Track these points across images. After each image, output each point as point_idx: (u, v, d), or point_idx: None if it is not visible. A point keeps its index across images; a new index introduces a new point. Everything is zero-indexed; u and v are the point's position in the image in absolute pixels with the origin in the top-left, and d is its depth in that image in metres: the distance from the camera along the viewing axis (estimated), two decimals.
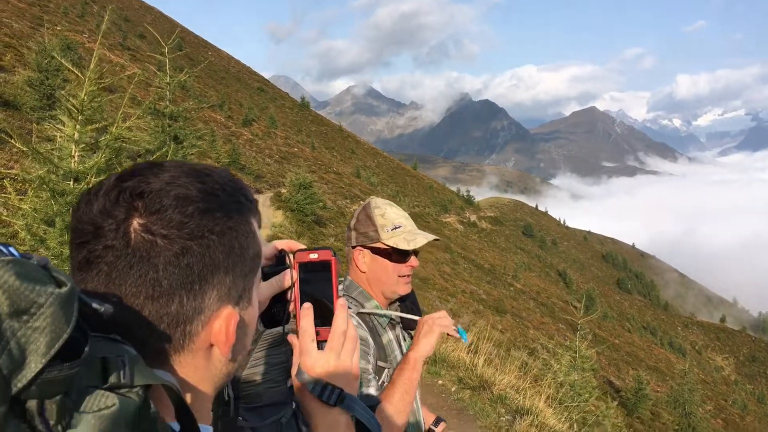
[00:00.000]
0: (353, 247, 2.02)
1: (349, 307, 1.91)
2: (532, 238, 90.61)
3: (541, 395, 7.07)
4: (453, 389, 6.72)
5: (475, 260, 44.88)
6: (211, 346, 0.73)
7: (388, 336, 1.98)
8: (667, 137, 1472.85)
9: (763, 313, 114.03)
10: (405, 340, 2.09)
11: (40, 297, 0.47)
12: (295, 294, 0.97)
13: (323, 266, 0.98)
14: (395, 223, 1.97)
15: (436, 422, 2.17)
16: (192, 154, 7.25)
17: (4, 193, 4.56)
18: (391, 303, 2.08)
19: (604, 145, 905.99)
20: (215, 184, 0.73)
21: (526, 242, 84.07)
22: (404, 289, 2.00)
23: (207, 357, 0.73)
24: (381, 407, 1.71)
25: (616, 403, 16.37)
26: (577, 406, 8.20)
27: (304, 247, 1.03)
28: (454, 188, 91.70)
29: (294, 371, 0.94)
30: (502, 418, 6.13)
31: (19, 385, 0.46)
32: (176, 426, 0.65)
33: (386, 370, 1.89)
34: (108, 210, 0.67)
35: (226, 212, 0.72)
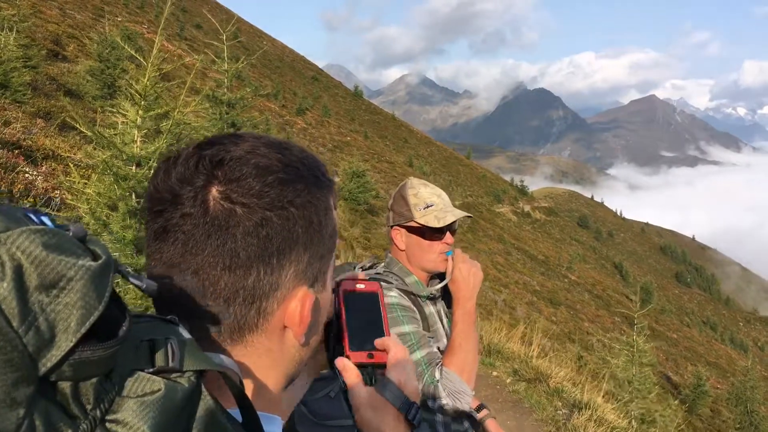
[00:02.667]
0: (391, 227, 2.11)
1: (390, 282, 2.00)
2: (588, 229, 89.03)
3: (599, 390, 6.91)
4: (508, 381, 6.63)
5: (529, 251, 44.36)
6: (285, 328, 0.71)
7: (430, 309, 2.05)
8: (731, 126, 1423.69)
9: None
10: (446, 317, 2.13)
11: (70, 270, 0.44)
12: (341, 321, 0.95)
13: (371, 297, 0.97)
14: (427, 201, 2.04)
15: (479, 408, 2.21)
16: None
17: (69, 178, 4.68)
18: (432, 279, 2.14)
19: (663, 134, 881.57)
20: (294, 156, 0.72)
21: (581, 233, 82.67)
22: (444, 266, 2.03)
23: (281, 339, 0.72)
24: (449, 359, 1.83)
25: (676, 401, 15.95)
26: (636, 402, 7.99)
27: (358, 276, 1.01)
28: (507, 178, 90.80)
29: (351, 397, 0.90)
30: (558, 411, 6.02)
31: (48, 364, 0.43)
32: (237, 413, 0.61)
33: (431, 339, 1.96)
34: (187, 177, 0.66)
35: (306, 185, 0.71)
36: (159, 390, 0.51)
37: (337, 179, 25.35)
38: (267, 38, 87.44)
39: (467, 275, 1.93)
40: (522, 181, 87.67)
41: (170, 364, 0.54)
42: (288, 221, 0.69)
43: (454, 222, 2.04)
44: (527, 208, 74.43)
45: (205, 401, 0.56)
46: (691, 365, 31.79)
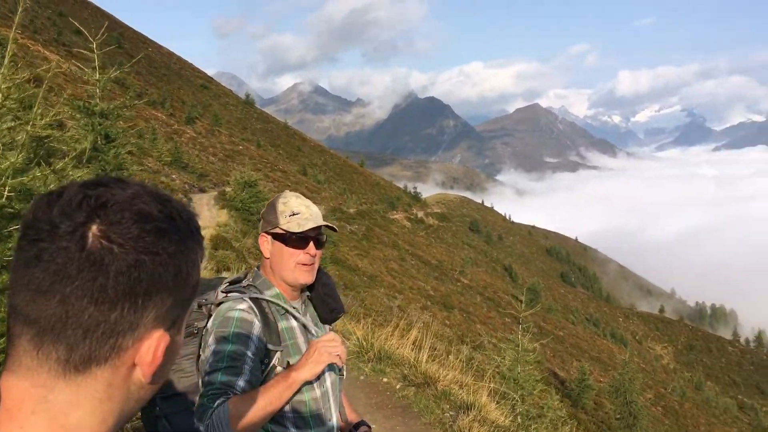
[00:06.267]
0: (260, 234, 2.09)
1: (243, 294, 1.96)
2: (479, 233, 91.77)
3: (484, 390, 7.11)
4: (398, 387, 6.70)
5: (423, 256, 45.16)
6: (134, 365, 0.73)
7: (288, 323, 2.00)
8: (608, 133, 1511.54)
9: (700, 303, 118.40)
10: (318, 328, 2.11)
11: None
12: None
13: None
14: (294, 210, 2.03)
15: (358, 425, 2.17)
16: (126, 153, 7.03)
17: None
18: (301, 293, 2.11)
19: (547, 141, 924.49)
20: (174, 209, 0.75)
21: (472, 238, 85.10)
22: (304, 278, 2.02)
23: (126, 376, 0.73)
24: (239, 400, 1.71)
25: (559, 395, 16.69)
26: (521, 399, 8.29)
27: None
28: (401, 185, 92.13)
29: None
30: (445, 414, 6.14)
31: None
32: None
33: (278, 352, 1.92)
34: (68, 213, 0.68)
35: (181, 237, 0.74)
36: None
37: (228, 189, 24.81)
38: (152, 45, 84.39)
39: (319, 351, 1.83)
40: (415, 188, 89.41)
41: None
42: (159, 267, 0.71)
43: (321, 234, 2.05)
44: (421, 214, 75.82)
45: None
46: (576, 361, 33.42)
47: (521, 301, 10.86)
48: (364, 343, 7.59)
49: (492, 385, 7.58)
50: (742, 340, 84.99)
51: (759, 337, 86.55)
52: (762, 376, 67.55)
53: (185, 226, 0.76)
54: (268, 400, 1.74)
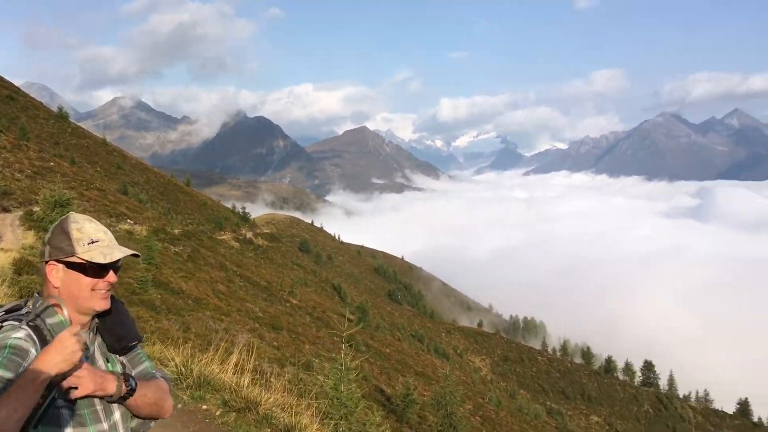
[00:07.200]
0: (46, 262, 1.96)
1: (19, 322, 1.85)
2: (308, 253, 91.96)
3: (307, 411, 7.13)
4: (218, 413, 6.54)
5: (251, 277, 44.30)
6: None
7: None
8: (431, 157, 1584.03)
9: (513, 317, 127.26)
10: (106, 359, 2.05)
11: None
12: None
13: None
14: (92, 237, 1.94)
15: None
16: None
17: None
18: (92, 320, 2.03)
19: (374, 162, 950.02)
20: None
21: (302, 258, 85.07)
22: (101, 305, 1.96)
23: None
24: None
25: (383, 411, 17.09)
26: (344, 418, 8.41)
27: None
28: (229, 205, 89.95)
29: None
30: None
31: None
32: None
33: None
34: None
35: None
36: None
37: (36, 209, 22.81)
38: None
39: (57, 350, 1.72)
40: (244, 208, 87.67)
41: None
42: None
43: (118, 260, 1.99)
44: (249, 234, 74.48)
45: None
46: (402, 376, 34.39)
47: (350, 320, 11.04)
48: (183, 369, 7.32)
49: (315, 405, 7.62)
50: (549, 349, 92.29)
51: (564, 347, 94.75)
52: (567, 383, 73.78)
53: None
54: (16, 390, 1.62)
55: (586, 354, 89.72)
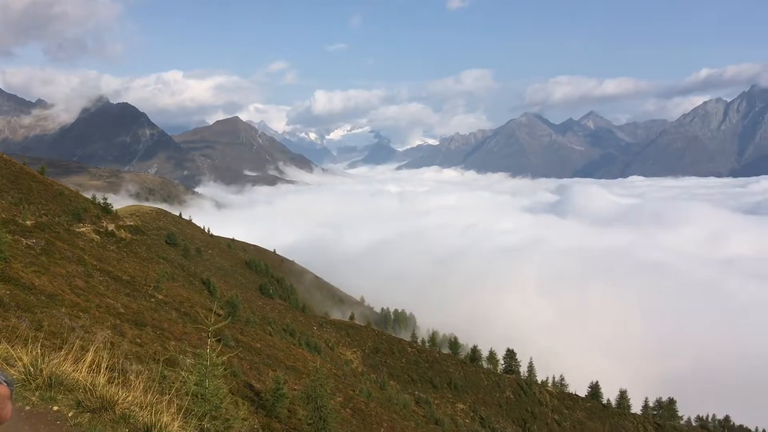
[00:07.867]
0: None
1: None
2: (176, 246, 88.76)
3: (169, 409, 6.90)
4: (70, 414, 6.18)
5: (113, 272, 42.19)
6: None
7: None
8: (305, 149, 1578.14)
9: (385, 309, 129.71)
10: None
11: None
12: None
13: None
14: None
15: None
16: None
17: None
18: None
19: (247, 154, 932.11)
20: None
21: (169, 251, 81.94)
22: None
23: None
24: None
25: (252, 406, 16.88)
26: (208, 414, 8.22)
27: None
28: (89, 195, 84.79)
29: None
30: None
31: None
32: None
33: None
34: None
35: None
36: None
37: None
38: None
39: None
40: (105, 199, 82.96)
41: None
42: None
43: None
44: (111, 227, 70.70)
45: None
46: (272, 371, 34.11)
47: (219, 315, 10.78)
48: (32, 369, 6.85)
49: (177, 402, 7.39)
50: (419, 340, 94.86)
51: (433, 337, 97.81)
52: (435, 372, 76.19)
53: None
54: None
55: (454, 344, 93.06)
